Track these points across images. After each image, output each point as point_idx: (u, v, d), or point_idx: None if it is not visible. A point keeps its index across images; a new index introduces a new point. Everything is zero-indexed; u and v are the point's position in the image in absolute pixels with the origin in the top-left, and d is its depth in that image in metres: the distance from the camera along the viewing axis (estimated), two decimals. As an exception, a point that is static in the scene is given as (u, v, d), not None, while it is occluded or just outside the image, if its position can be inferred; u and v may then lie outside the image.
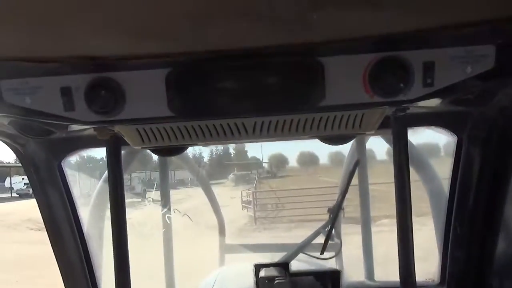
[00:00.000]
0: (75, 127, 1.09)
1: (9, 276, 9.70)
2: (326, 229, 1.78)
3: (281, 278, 1.63)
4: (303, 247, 1.81)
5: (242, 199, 18.82)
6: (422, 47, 0.92)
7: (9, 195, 34.59)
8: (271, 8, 0.71)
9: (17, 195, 33.01)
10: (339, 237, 1.94)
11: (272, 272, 1.67)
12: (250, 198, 18.27)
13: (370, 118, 1.08)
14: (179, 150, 1.33)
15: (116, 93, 0.95)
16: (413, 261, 1.14)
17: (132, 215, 1.26)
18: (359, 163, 1.70)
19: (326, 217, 1.88)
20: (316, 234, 1.85)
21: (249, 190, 20.15)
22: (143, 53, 0.91)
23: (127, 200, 1.21)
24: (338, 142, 1.30)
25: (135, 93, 0.97)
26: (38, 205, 1.59)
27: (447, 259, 1.68)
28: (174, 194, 2.39)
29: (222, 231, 2.97)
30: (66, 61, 0.91)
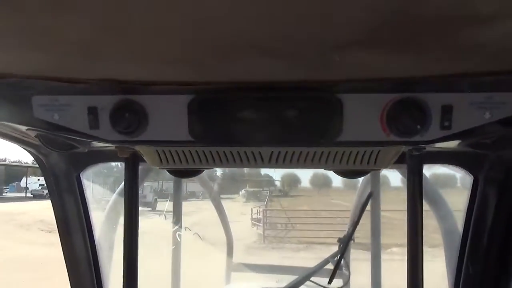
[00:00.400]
0: (97, 143, 1.13)
1: (17, 276, 9.80)
2: (335, 259, 1.76)
3: None
4: (310, 274, 1.80)
5: (252, 216, 18.73)
6: (441, 91, 0.93)
7: (24, 195, 35.17)
8: (294, 47, 0.73)
9: (31, 195, 33.54)
10: (347, 267, 1.92)
11: None
12: (260, 216, 18.17)
13: (385, 155, 1.09)
14: (194, 172, 1.36)
15: (139, 115, 0.98)
16: None
17: (141, 224, 1.28)
18: (372, 195, 1.69)
19: (335, 240, 1.87)
20: (324, 263, 1.84)
21: (259, 207, 20.05)
22: (168, 79, 0.95)
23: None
24: (353, 176, 1.31)
25: (158, 116, 1.00)
26: (53, 210, 1.63)
27: None
28: (185, 206, 2.41)
29: (230, 249, 2.97)
30: (95, 82, 0.96)
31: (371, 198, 1.63)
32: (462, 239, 1.59)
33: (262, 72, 0.88)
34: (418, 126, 0.92)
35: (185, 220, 2.31)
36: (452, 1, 0.55)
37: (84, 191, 1.67)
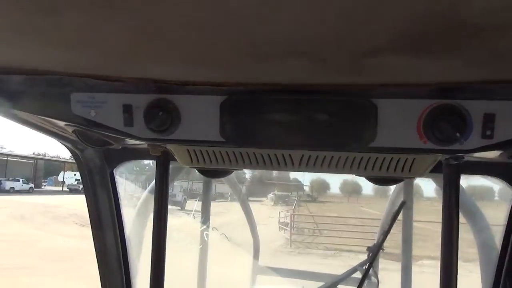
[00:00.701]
0: (130, 140, 1.15)
1: (52, 266, 10.20)
2: (364, 267, 1.72)
3: None
4: (337, 282, 1.77)
5: (279, 220, 18.69)
6: (483, 98, 0.89)
7: (61, 188, 36.66)
8: (329, 51, 0.72)
9: (68, 190, 34.91)
10: (376, 277, 1.87)
11: None
12: (288, 220, 18.11)
13: (421, 163, 1.05)
14: (224, 173, 1.36)
15: (172, 115, 1.00)
16: None
17: (170, 222, 1.31)
18: (405, 204, 1.64)
19: (363, 248, 1.83)
20: (352, 271, 1.80)
21: (287, 211, 19.99)
22: (202, 80, 0.96)
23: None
24: (386, 184, 1.27)
25: (190, 116, 1.01)
26: (87, 204, 1.68)
27: None
28: (213, 207, 2.44)
29: (256, 252, 2.96)
30: (130, 81, 0.98)
31: (403, 207, 1.58)
32: (500, 255, 1.52)
33: (296, 74, 0.87)
34: (458, 134, 0.88)
35: (213, 220, 2.32)
36: (494, 7, 0.52)
37: (117, 187, 1.72)
